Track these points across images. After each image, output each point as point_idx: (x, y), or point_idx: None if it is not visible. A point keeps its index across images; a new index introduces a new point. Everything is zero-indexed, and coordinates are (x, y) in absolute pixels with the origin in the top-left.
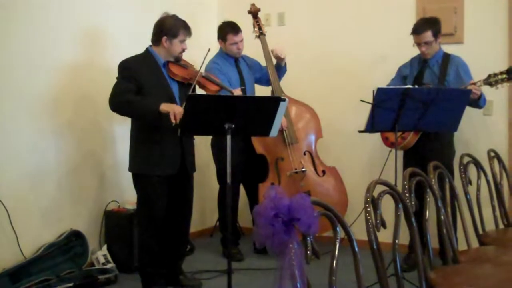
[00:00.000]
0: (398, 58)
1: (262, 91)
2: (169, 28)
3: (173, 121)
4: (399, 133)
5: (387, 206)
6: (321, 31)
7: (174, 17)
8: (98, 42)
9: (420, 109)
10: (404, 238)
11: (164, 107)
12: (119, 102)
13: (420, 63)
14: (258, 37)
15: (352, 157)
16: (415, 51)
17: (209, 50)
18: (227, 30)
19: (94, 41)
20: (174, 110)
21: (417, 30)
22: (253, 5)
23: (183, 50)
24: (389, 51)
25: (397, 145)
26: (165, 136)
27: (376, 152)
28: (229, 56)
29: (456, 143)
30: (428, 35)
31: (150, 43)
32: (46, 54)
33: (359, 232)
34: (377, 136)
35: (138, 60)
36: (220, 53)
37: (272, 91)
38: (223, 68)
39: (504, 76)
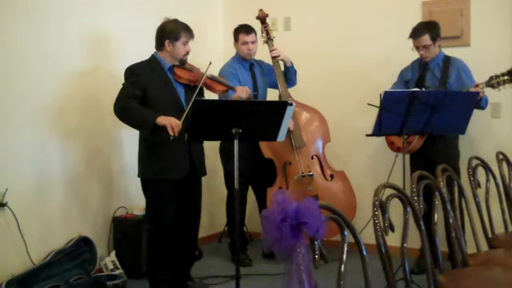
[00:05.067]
0: (405, 61)
1: (270, 95)
2: (170, 31)
3: (171, 134)
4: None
5: (396, 209)
6: (327, 36)
7: (175, 20)
8: (103, 49)
9: (427, 112)
10: (413, 241)
11: (161, 120)
12: (121, 107)
13: (421, 66)
14: (266, 42)
15: (360, 161)
16: None
17: (210, 63)
18: (239, 30)
19: (99, 48)
20: (171, 123)
21: (415, 34)
22: (261, 10)
23: (187, 53)
24: (395, 54)
25: (403, 149)
26: (173, 141)
27: (383, 156)
28: (244, 60)
29: (464, 146)
30: (425, 39)
31: (155, 50)
32: (51, 60)
33: (368, 236)
34: (385, 139)
35: (144, 66)
36: (235, 56)
37: (280, 95)
38: (238, 73)
39: (506, 77)
